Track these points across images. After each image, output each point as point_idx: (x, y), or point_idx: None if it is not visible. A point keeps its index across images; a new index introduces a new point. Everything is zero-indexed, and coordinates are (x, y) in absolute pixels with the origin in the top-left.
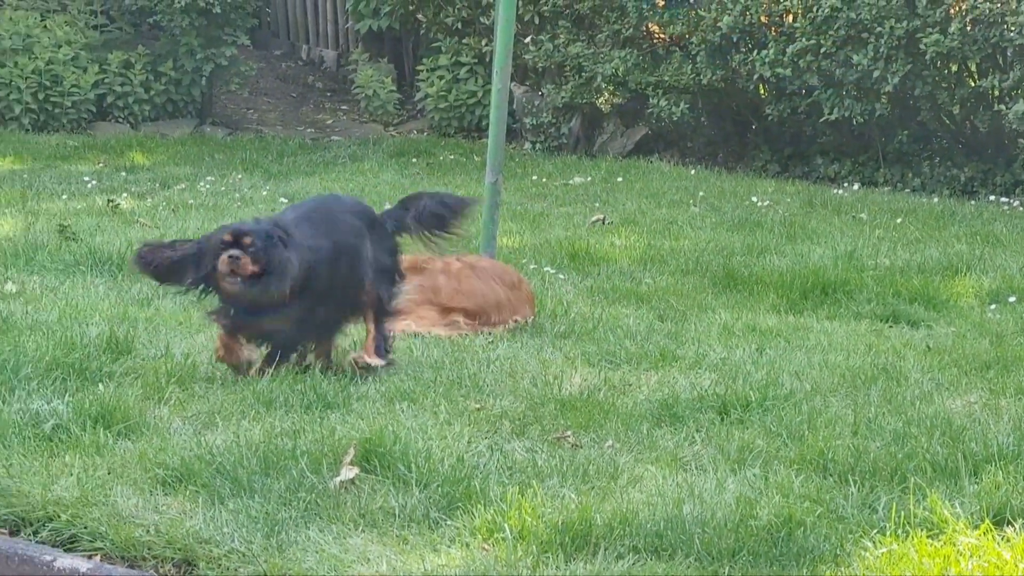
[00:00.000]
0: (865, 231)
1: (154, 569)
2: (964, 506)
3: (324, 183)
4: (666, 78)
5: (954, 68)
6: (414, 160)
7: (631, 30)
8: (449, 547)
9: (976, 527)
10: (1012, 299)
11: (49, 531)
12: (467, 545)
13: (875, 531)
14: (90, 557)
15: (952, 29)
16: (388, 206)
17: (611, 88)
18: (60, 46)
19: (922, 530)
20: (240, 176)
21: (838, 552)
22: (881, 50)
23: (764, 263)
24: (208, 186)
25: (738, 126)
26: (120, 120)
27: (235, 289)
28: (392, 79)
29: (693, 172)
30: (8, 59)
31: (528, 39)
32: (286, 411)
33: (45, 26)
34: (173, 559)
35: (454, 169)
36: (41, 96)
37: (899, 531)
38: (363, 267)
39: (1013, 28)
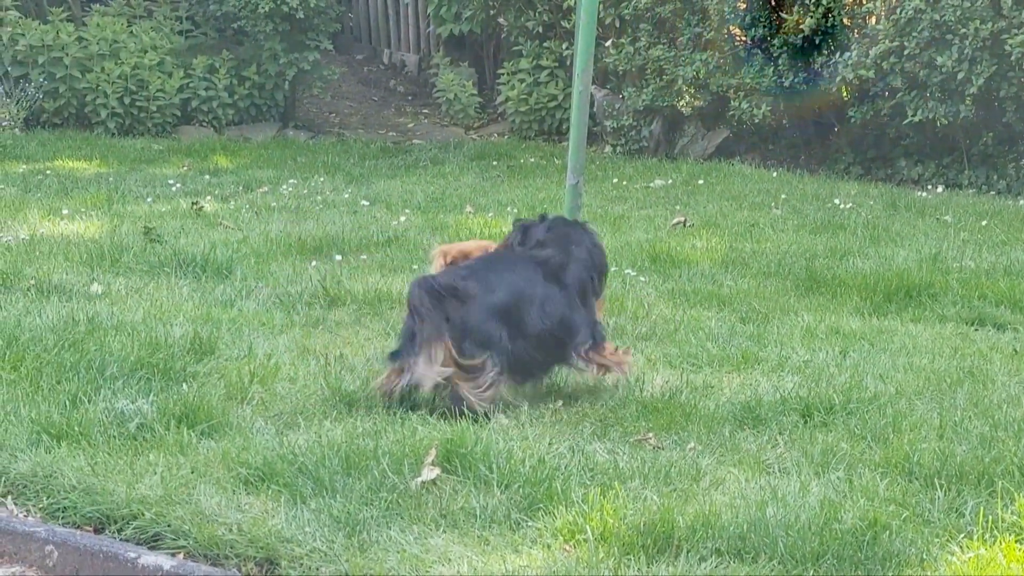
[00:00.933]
0: (950, 233)
1: (236, 567)
2: None
3: (405, 186)
4: (747, 80)
5: None
6: (495, 163)
7: (712, 32)
8: (530, 548)
9: None
10: None
11: (133, 529)
12: (548, 546)
13: (962, 535)
14: (173, 555)
15: None
16: (469, 209)
17: (692, 90)
18: (146, 51)
19: (1010, 535)
20: (322, 179)
21: (924, 556)
22: (966, 51)
23: (847, 265)
24: (290, 189)
25: (820, 128)
26: (204, 124)
27: None
28: (473, 83)
29: (775, 174)
30: (95, 64)
31: (609, 42)
32: (368, 412)
33: (131, 32)
34: (255, 558)
35: (534, 172)
36: (127, 101)
37: (986, 536)
38: None
39: None
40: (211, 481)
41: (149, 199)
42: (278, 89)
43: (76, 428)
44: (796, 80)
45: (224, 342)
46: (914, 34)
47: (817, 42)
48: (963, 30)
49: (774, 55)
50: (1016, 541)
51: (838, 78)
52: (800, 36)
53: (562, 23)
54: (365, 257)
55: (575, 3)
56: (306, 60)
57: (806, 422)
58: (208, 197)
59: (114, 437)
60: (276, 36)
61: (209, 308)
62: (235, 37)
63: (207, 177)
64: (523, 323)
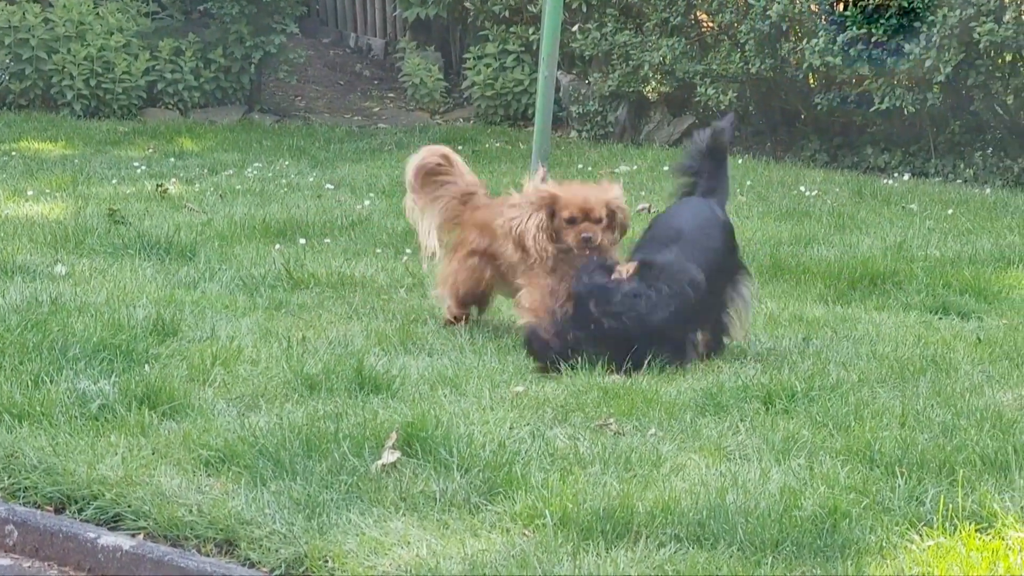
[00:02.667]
0: (915, 222)
1: (196, 548)
2: (1014, 500)
3: (370, 170)
4: (714, 67)
5: (1008, 58)
6: (460, 148)
7: (679, 18)
8: (490, 532)
9: None
10: None
11: (94, 509)
12: (508, 530)
13: (922, 524)
14: (133, 535)
15: (1007, 18)
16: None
17: (658, 77)
18: (112, 33)
19: (970, 523)
20: (287, 162)
21: (884, 544)
22: (934, 39)
23: (812, 253)
24: (255, 172)
25: (786, 115)
26: (170, 107)
27: None
28: (439, 67)
29: (741, 161)
30: (61, 46)
31: (575, 27)
32: (329, 394)
33: (98, 13)
34: (215, 539)
35: (500, 157)
36: (93, 82)
37: (947, 524)
38: None
39: None
40: (172, 462)
41: (114, 181)
42: (244, 72)
43: (38, 408)
44: (763, 66)
45: (187, 324)
46: (882, 21)
47: (784, 28)
48: (931, 17)
49: (741, 41)
50: (976, 530)
51: (805, 65)
52: (767, 22)
53: (528, 8)
54: (329, 240)
55: None
56: (272, 43)
57: (768, 409)
58: (173, 180)
59: (76, 418)
60: (242, 19)
61: (172, 290)
62: (201, 20)
63: (172, 160)
64: None
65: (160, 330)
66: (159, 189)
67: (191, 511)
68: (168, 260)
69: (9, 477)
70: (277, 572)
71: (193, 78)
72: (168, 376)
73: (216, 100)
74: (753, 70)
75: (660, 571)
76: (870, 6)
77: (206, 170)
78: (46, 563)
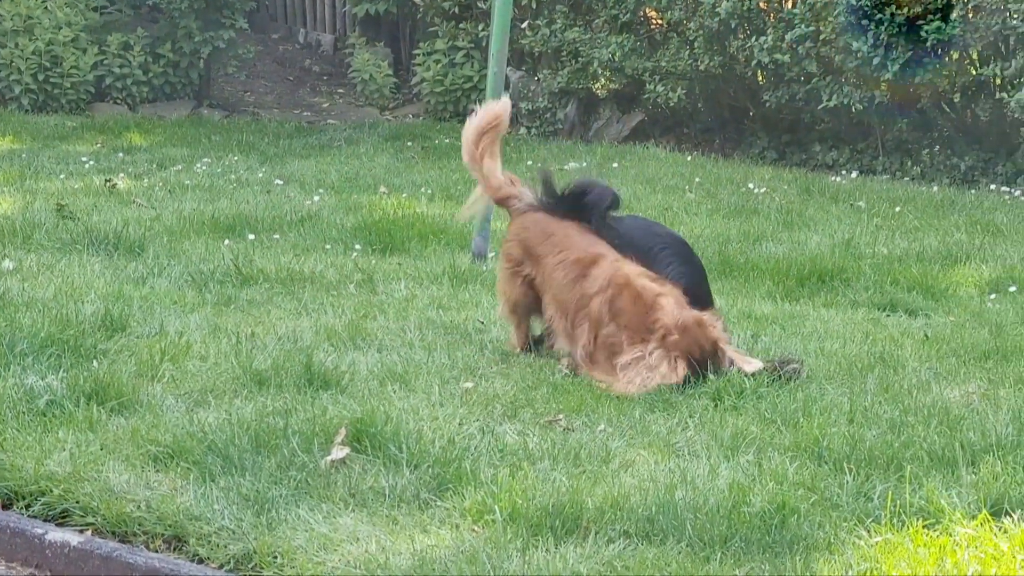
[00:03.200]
0: (863, 219)
1: (145, 544)
2: (961, 496)
3: (320, 166)
4: (663, 64)
5: (955, 56)
6: (409, 144)
7: (628, 15)
8: (439, 528)
9: (973, 517)
10: (1012, 289)
11: (41, 505)
12: (457, 527)
13: (870, 520)
14: (81, 531)
15: (953, 16)
16: (383, 189)
17: (607, 73)
18: (60, 27)
19: (918, 519)
20: (236, 158)
21: (832, 540)
22: (881, 37)
23: (760, 250)
24: (204, 168)
25: (735, 112)
26: (118, 101)
27: None
28: (388, 63)
29: (689, 158)
30: (9, 40)
31: (525, 24)
32: (278, 390)
33: (46, 7)
34: (163, 535)
35: (449, 153)
36: (41, 77)
37: (895, 520)
38: None
39: (1016, 16)
40: (120, 458)
41: (62, 176)
42: (193, 67)
43: None
44: (712, 64)
45: (135, 320)
46: (830, 19)
47: (733, 25)
48: (879, 15)
49: (690, 38)
50: (924, 526)
51: (754, 62)
52: (716, 19)
53: (478, 4)
54: (278, 236)
55: None
56: (221, 38)
57: (716, 405)
58: (121, 175)
59: (23, 413)
60: (191, 14)
61: (121, 285)
62: (150, 14)
63: (121, 155)
64: None
65: (108, 325)
66: (107, 184)
67: (140, 507)
68: (116, 255)
69: None
70: (226, 568)
71: (142, 73)
72: (116, 372)
73: (165, 95)
74: (702, 67)
75: (609, 567)
76: (818, 4)
77: (155, 165)
78: None
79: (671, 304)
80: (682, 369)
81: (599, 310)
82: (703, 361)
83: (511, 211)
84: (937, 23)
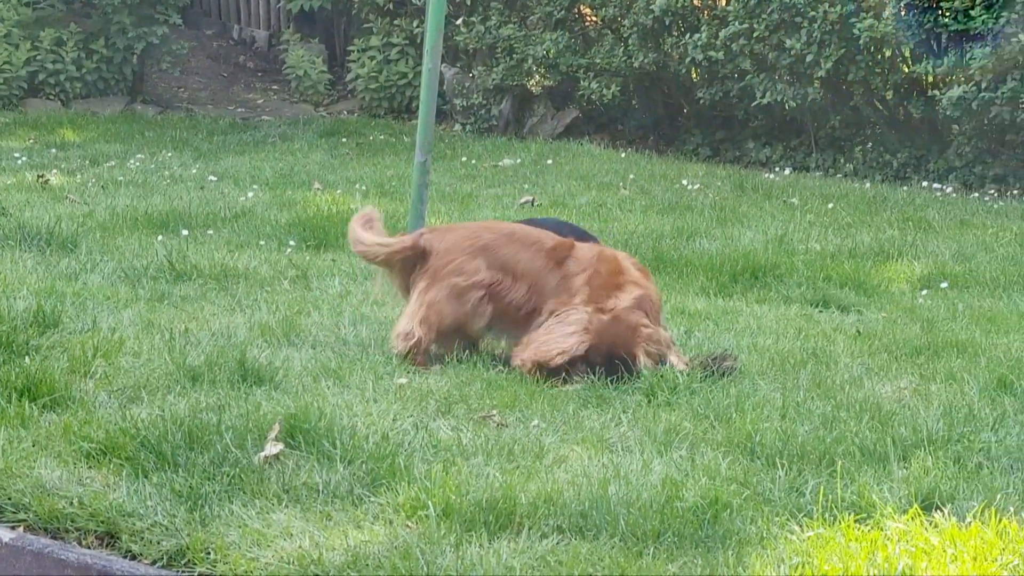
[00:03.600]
0: (796, 216)
1: (77, 541)
2: (892, 491)
3: (254, 162)
4: (597, 60)
5: (888, 53)
6: (344, 140)
7: (563, 12)
8: (373, 524)
9: (904, 512)
10: (944, 285)
11: None
12: (390, 522)
13: (802, 514)
14: (13, 528)
15: (886, 14)
16: (317, 186)
17: (542, 70)
18: None
19: (850, 514)
20: (170, 154)
21: (764, 535)
22: (814, 34)
23: (694, 246)
24: (138, 164)
25: (669, 109)
26: (51, 97)
27: None
28: (323, 59)
29: (623, 155)
30: None
31: (460, 20)
32: (212, 386)
33: None
34: (96, 531)
35: (384, 150)
36: None
37: (826, 515)
38: None
39: (947, 14)
40: (52, 454)
41: None
42: (126, 63)
43: None
44: (646, 61)
45: (68, 315)
46: (764, 16)
47: (668, 23)
48: (812, 13)
49: (624, 35)
50: (856, 520)
51: (688, 59)
52: (651, 17)
53: (413, 0)
54: (212, 232)
55: None
56: (155, 34)
57: (649, 401)
58: (54, 170)
59: None
60: (124, 9)
61: (53, 281)
62: (83, 9)
63: (53, 151)
64: None
65: (40, 322)
66: (40, 180)
67: (72, 503)
68: (49, 251)
69: None
70: (159, 564)
71: (75, 68)
72: (49, 368)
73: (98, 91)
74: (636, 64)
75: (542, 562)
76: (751, 2)
77: (88, 161)
78: None
79: (632, 296)
80: (579, 346)
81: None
82: (608, 355)
83: (423, 246)
84: (870, 21)
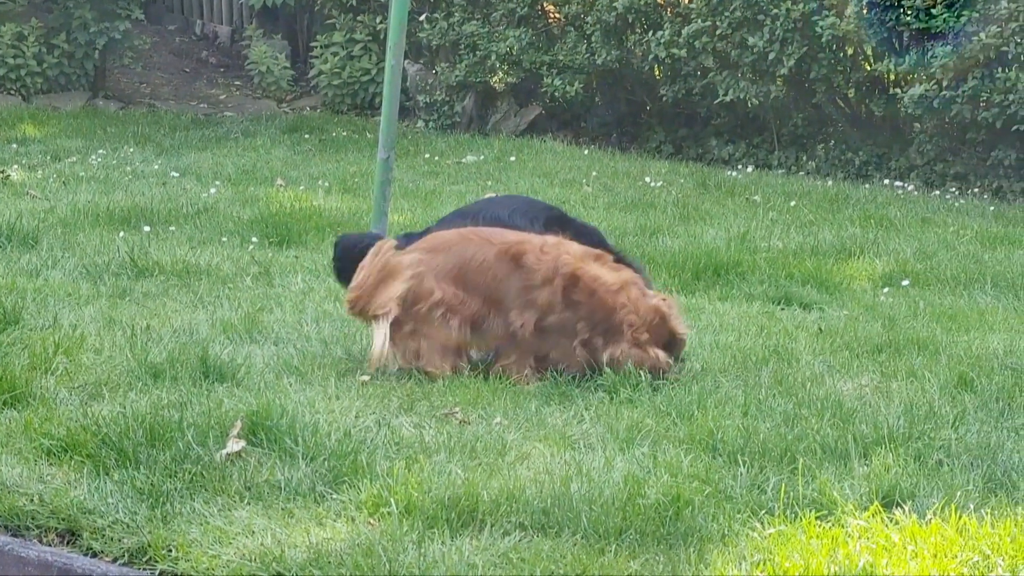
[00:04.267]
0: (758, 213)
1: (38, 538)
2: (853, 488)
3: (216, 158)
4: (561, 57)
5: (850, 51)
6: (307, 136)
7: (526, 9)
8: (335, 521)
9: (865, 509)
10: (905, 283)
11: None
12: (353, 519)
13: (764, 512)
14: None
15: (848, 12)
16: (280, 182)
17: (505, 67)
18: None
19: (811, 511)
20: (132, 150)
21: (726, 532)
22: (777, 32)
23: (656, 244)
24: (99, 159)
25: (632, 107)
26: (12, 92)
27: None
28: (286, 55)
29: (586, 152)
30: None
31: (423, 17)
32: (173, 383)
33: None
34: (57, 529)
35: (346, 146)
36: None
37: (788, 512)
38: None
39: (909, 12)
40: (13, 452)
41: None
42: (88, 58)
43: None
44: (609, 58)
45: (29, 312)
46: (726, 14)
47: (631, 20)
48: (775, 11)
49: (588, 32)
50: (817, 517)
51: (651, 56)
52: (614, 14)
53: None
54: (174, 229)
55: None
56: (117, 29)
57: (612, 398)
58: (15, 166)
59: None
60: (86, 4)
61: (14, 278)
62: (44, 4)
63: (14, 146)
64: None
65: (1, 318)
66: (1, 175)
67: (32, 500)
68: (10, 247)
69: None
70: (120, 562)
71: (36, 64)
72: (9, 364)
73: (60, 86)
74: (599, 61)
75: (504, 559)
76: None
77: (49, 157)
78: None
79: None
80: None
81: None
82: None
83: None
84: (832, 19)
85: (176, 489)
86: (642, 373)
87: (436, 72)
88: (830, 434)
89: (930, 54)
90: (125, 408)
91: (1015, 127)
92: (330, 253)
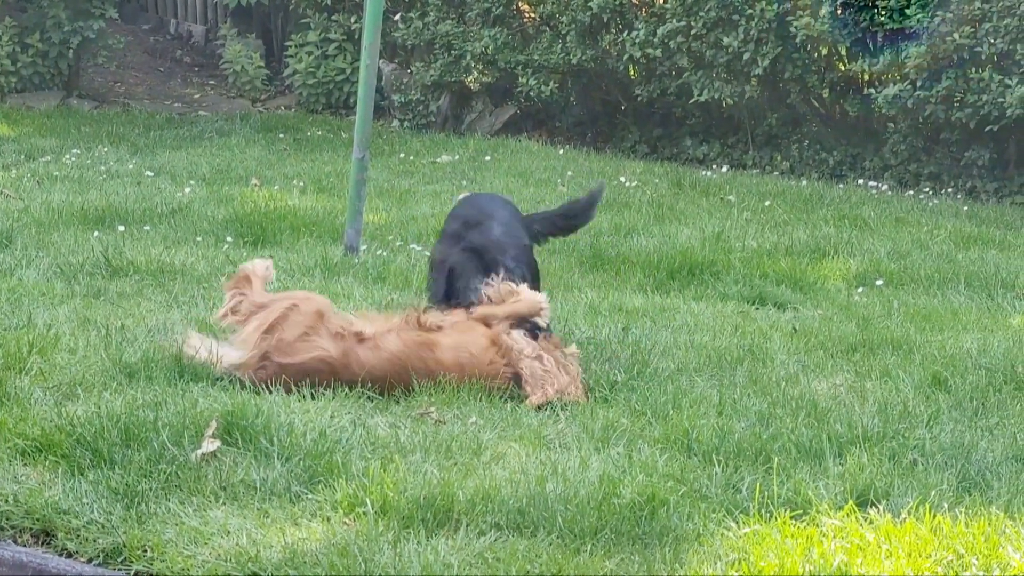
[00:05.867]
0: (733, 213)
1: (12, 539)
2: (828, 487)
3: (191, 157)
4: (536, 57)
5: (824, 52)
6: (281, 136)
7: (501, 8)
8: (310, 521)
9: (840, 508)
10: (879, 282)
11: None
12: (328, 519)
13: (739, 511)
14: None
15: (823, 12)
16: (255, 181)
17: (480, 66)
18: None
19: (786, 510)
20: (106, 149)
21: (701, 532)
22: (752, 32)
23: (631, 243)
24: (74, 159)
25: (607, 106)
26: None
27: None
28: (260, 55)
29: (562, 152)
30: None
31: (398, 16)
32: (148, 383)
33: None
34: (31, 529)
35: (321, 145)
36: None
37: (763, 511)
38: None
39: (883, 12)
40: None
41: None
42: (62, 57)
43: None
44: (584, 57)
45: (2, 312)
46: (701, 14)
47: (606, 20)
48: (749, 11)
49: (562, 32)
50: (792, 517)
51: (625, 56)
52: (588, 13)
53: None
54: (148, 228)
55: None
56: (91, 28)
57: (587, 398)
58: None
59: None
60: (60, 3)
61: None
62: (18, 3)
63: None
64: None
65: None
66: None
67: (7, 501)
68: None
69: None
70: (95, 562)
71: (10, 63)
72: None
73: (33, 85)
74: (574, 61)
75: (480, 559)
76: None
77: (23, 156)
78: None
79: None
80: None
81: None
82: None
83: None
84: (806, 19)
85: (151, 489)
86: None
87: (411, 72)
88: (805, 434)
89: (904, 54)
90: (100, 408)
91: (988, 127)
92: (307, 251)
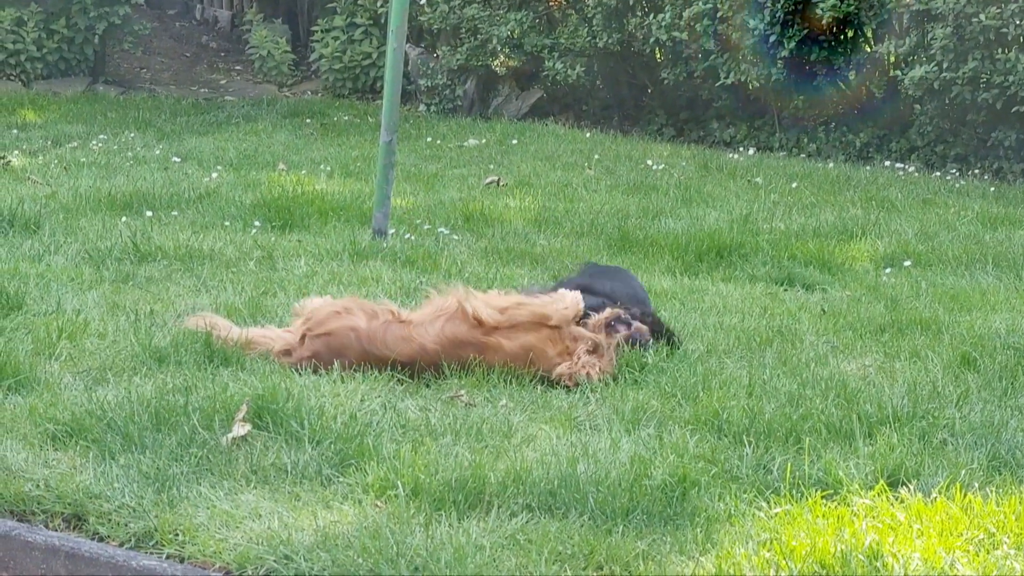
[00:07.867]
0: (760, 195)
1: (44, 523)
2: (859, 467)
3: (218, 143)
4: (562, 41)
5: (851, 34)
6: (308, 121)
7: None
8: (342, 504)
9: (870, 488)
10: (907, 263)
11: None
12: (360, 502)
13: (770, 491)
14: None
15: None
16: (282, 166)
17: (506, 51)
18: None
19: (817, 491)
20: (133, 135)
21: (732, 512)
22: (778, 14)
23: (659, 226)
24: (100, 144)
25: (634, 89)
26: (12, 78)
27: None
28: (286, 40)
29: (588, 135)
30: None
31: (424, 0)
32: (178, 367)
33: None
34: (63, 513)
35: (348, 130)
36: None
37: (794, 491)
38: None
39: None
40: (18, 437)
41: None
42: (88, 43)
43: None
44: (611, 41)
45: (32, 297)
46: None
47: (632, 3)
48: None
49: (589, 15)
50: (823, 497)
51: (652, 39)
52: None
53: None
54: (176, 213)
55: None
56: (117, 14)
57: (617, 380)
58: (16, 152)
59: None
60: None
61: (17, 263)
62: None
63: (15, 131)
64: None
65: (4, 303)
66: (1, 161)
67: (38, 486)
68: (12, 233)
69: None
70: (127, 546)
71: (36, 49)
72: (13, 350)
73: (60, 71)
74: (600, 44)
75: (512, 540)
76: None
77: (50, 142)
78: None
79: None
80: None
81: None
82: None
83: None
84: (833, 1)
85: (182, 473)
86: None
87: (437, 56)
88: (835, 414)
89: (930, 35)
90: (130, 393)
91: (1015, 108)
92: (335, 235)
